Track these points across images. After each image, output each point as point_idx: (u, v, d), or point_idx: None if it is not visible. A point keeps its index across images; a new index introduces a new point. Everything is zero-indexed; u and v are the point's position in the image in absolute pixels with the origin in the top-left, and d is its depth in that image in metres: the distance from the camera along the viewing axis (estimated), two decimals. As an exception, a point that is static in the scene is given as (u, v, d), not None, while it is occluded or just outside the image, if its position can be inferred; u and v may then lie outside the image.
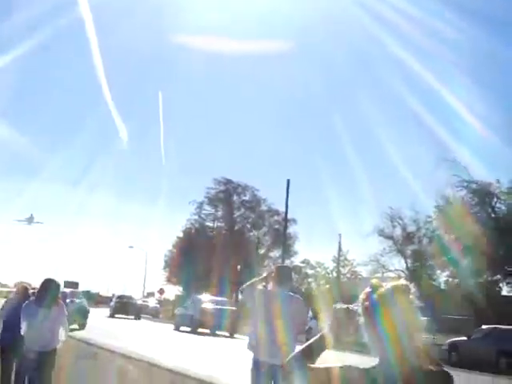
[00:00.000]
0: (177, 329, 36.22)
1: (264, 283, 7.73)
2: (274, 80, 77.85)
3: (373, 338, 2.49)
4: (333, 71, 77.58)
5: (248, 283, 7.66)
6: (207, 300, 37.05)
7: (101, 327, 29.55)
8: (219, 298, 38.93)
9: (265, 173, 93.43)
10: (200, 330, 33.53)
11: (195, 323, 34.10)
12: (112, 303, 53.02)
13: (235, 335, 32.76)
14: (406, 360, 2.44)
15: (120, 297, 53.89)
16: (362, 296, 2.56)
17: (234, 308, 36.38)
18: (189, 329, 34.58)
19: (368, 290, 2.55)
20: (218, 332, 33.29)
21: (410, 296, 2.51)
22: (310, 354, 2.60)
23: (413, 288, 2.55)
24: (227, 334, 33.33)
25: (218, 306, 34.77)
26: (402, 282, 2.59)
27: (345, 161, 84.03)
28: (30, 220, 56.70)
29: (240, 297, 36.27)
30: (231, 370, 15.24)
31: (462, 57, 65.25)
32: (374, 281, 2.56)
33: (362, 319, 2.52)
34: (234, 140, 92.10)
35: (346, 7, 55.15)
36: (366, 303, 2.51)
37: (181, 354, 19.91)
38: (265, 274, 7.86)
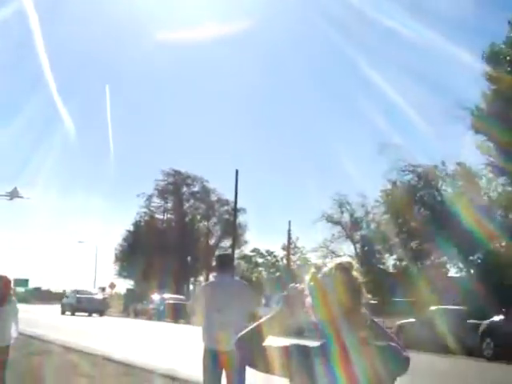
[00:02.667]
0: (63, 313, 48.43)
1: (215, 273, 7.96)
2: (220, 68, 77.71)
3: (318, 317, 2.56)
4: (277, 61, 77.79)
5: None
6: (82, 293, 50.85)
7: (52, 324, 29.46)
8: (93, 291, 57.93)
9: (213, 163, 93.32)
10: (77, 313, 46.80)
11: (74, 308, 47.88)
12: (68, 300, 50.91)
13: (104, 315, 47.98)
14: (351, 335, 2.53)
15: (79, 292, 51.01)
16: (307, 277, 2.62)
17: (100, 297, 53.28)
18: (69, 313, 47.79)
19: (313, 270, 2.62)
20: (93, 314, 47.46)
21: (354, 272, 2.56)
22: (260, 333, 2.65)
23: (356, 264, 2.63)
24: (98, 315, 47.45)
25: (89, 296, 50.55)
26: (344, 259, 2.67)
27: (291, 149, 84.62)
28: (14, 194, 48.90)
29: (190, 301, 37.39)
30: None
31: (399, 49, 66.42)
32: (317, 262, 2.65)
33: (309, 299, 2.57)
34: (181, 131, 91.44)
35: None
36: (311, 283, 2.59)
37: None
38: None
